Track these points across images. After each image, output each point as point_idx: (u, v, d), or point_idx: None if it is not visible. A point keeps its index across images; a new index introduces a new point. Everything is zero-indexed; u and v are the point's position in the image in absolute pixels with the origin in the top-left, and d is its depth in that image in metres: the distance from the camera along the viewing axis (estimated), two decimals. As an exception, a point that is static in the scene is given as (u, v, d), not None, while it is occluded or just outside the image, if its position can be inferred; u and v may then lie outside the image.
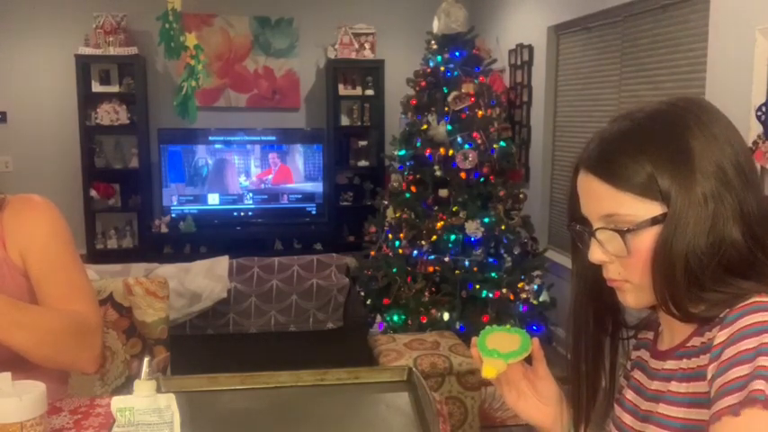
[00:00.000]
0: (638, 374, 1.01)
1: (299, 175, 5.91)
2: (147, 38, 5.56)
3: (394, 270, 4.15)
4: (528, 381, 1.10)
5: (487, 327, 1.08)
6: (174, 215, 5.73)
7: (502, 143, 4.23)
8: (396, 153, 4.44)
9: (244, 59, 5.96)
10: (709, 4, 3.03)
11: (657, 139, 0.88)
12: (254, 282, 3.95)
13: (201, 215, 5.75)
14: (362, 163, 6.07)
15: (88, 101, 5.54)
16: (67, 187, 5.54)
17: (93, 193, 5.62)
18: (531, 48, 4.92)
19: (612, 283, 0.94)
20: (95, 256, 5.56)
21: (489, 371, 1.01)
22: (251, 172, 5.88)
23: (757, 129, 2.69)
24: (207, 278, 3.89)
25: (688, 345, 0.91)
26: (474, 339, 1.07)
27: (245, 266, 3.95)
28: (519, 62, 5.09)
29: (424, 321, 4.00)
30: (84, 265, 1.52)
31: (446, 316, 4.00)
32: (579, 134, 4.39)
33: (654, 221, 0.87)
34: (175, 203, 5.76)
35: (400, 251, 4.22)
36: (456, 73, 4.22)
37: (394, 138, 4.58)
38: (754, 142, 2.70)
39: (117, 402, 1.05)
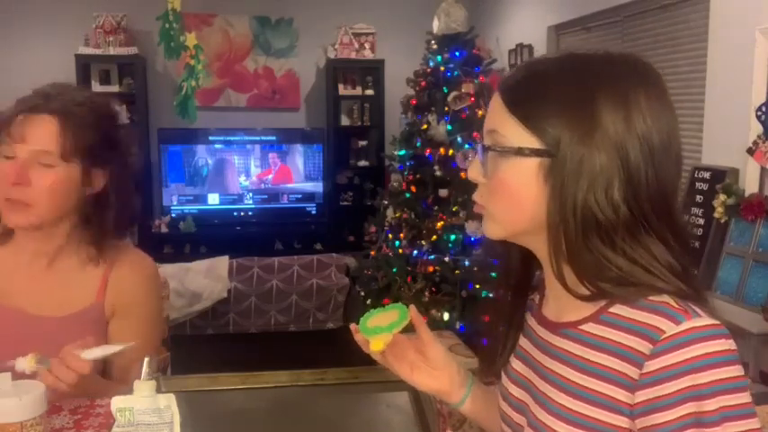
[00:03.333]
0: (524, 342, 0.99)
1: (299, 175, 5.91)
2: (147, 38, 5.56)
3: (394, 270, 4.15)
4: (416, 351, 1.08)
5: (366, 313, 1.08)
6: (174, 215, 5.73)
7: (502, 143, 4.23)
8: (396, 153, 4.44)
9: (244, 59, 5.96)
10: (709, 4, 3.03)
11: (571, 85, 0.84)
12: (254, 282, 3.96)
13: (201, 215, 5.76)
14: (362, 163, 6.07)
15: (88, 101, 5.54)
16: (67, 187, 5.54)
17: (93, 193, 5.62)
18: (531, 48, 4.92)
19: (475, 206, 0.93)
20: (95, 255, 5.56)
21: (377, 344, 1.01)
22: (251, 172, 5.88)
23: (757, 129, 2.70)
24: (207, 278, 3.89)
25: (581, 328, 0.87)
26: (354, 326, 1.05)
27: (245, 266, 3.95)
28: (519, 62, 5.09)
29: (425, 321, 4.00)
30: (162, 321, 1.62)
31: (446, 316, 4.00)
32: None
33: (520, 152, 0.84)
34: (175, 203, 5.76)
35: (400, 251, 4.22)
36: (456, 73, 4.22)
37: (394, 138, 4.58)
38: (754, 142, 2.70)
39: (117, 402, 1.05)
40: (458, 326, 3.96)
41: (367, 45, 5.87)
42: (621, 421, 0.80)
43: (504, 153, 0.85)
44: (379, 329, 1.02)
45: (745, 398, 0.76)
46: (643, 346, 0.79)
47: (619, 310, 0.83)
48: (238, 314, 3.98)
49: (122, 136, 1.47)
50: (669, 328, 0.77)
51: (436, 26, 4.29)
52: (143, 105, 5.66)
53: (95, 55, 5.47)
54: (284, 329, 4.06)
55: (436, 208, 4.18)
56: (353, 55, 5.85)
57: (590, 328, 0.86)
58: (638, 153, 0.82)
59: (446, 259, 4.07)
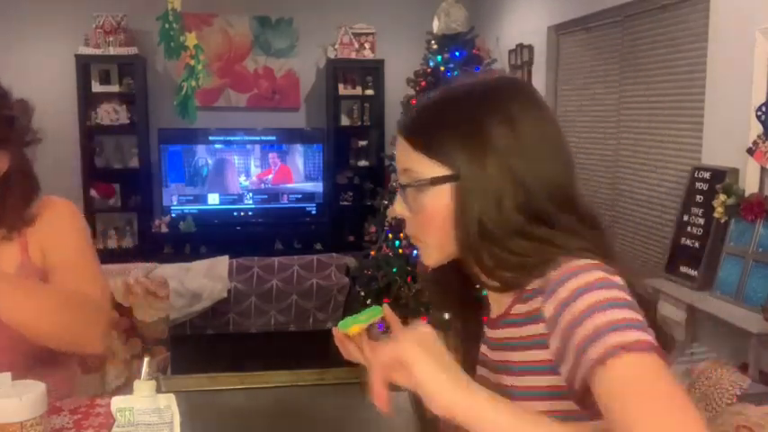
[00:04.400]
0: (483, 348, 1.05)
1: (299, 174, 5.91)
2: (147, 38, 5.56)
3: (394, 270, 4.15)
4: None
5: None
6: (174, 215, 5.73)
7: (502, 143, 4.23)
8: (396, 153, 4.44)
9: (244, 59, 5.96)
10: (709, 4, 3.03)
11: (458, 112, 0.95)
12: (254, 282, 3.96)
13: (201, 215, 5.75)
14: (362, 163, 6.07)
15: (88, 101, 5.54)
16: (67, 187, 5.53)
17: (93, 192, 5.62)
18: (531, 48, 4.92)
19: (411, 239, 1.01)
20: (95, 255, 5.56)
21: (353, 329, 1.03)
22: (251, 172, 5.88)
23: (757, 129, 2.69)
24: (207, 278, 3.89)
25: (512, 313, 0.95)
26: (334, 329, 1.10)
27: (245, 266, 3.95)
28: (519, 62, 5.09)
29: (425, 321, 3.99)
30: (97, 261, 1.56)
31: (446, 316, 3.99)
32: (579, 134, 4.38)
33: (434, 181, 0.93)
34: (175, 203, 5.76)
35: (400, 251, 4.21)
36: (456, 73, 4.22)
37: (394, 138, 4.58)
38: (754, 142, 2.70)
39: (117, 402, 1.05)
40: (458, 326, 3.95)
41: (367, 45, 5.86)
42: (558, 380, 0.87)
43: (421, 186, 0.94)
44: (354, 322, 1.05)
45: (627, 313, 0.81)
46: (540, 303, 0.88)
47: (534, 284, 0.91)
48: (238, 314, 3.98)
49: (16, 112, 1.46)
50: (553, 275, 0.87)
51: (436, 26, 4.29)
52: (143, 105, 5.66)
53: (95, 55, 5.47)
54: (284, 329, 4.06)
55: (436, 208, 4.18)
56: (353, 55, 5.84)
57: (517, 309, 0.94)
58: (527, 161, 0.92)
59: (446, 259, 4.06)
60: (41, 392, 1.08)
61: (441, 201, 0.93)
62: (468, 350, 1.08)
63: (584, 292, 0.83)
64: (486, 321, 1.04)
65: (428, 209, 0.94)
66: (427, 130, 0.96)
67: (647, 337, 0.79)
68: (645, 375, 0.78)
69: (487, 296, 1.04)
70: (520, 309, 0.93)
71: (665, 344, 0.91)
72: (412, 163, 0.95)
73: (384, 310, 1.05)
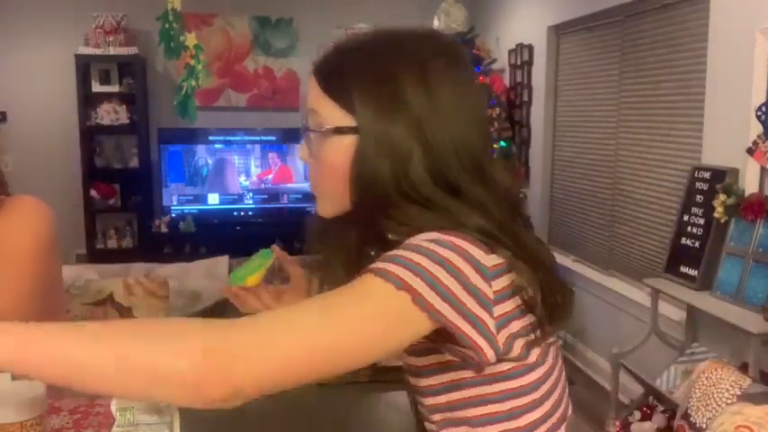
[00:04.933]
0: None
1: (299, 174, 5.90)
2: (147, 38, 5.55)
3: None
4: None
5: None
6: (173, 215, 5.73)
7: (502, 143, 4.24)
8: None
9: (244, 59, 5.96)
10: (709, 4, 3.03)
11: (373, 60, 0.89)
12: (254, 282, 3.95)
13: (201, 215, 5.75)
14: (362, 163, 6.07)
15: (88, 101, 5.54)
16: (67, 187, 5.54)
17: (93, 193, 5.62)
18: (531, 48, 4.92)
19: (310, 187, 0.98)
20: (95, 256, 5.56)
21: (252, 280, 1.03)
22: (251, 172, 5.88)
23: (757, 129, 2.69)
24: (207, 278, 3.89)
25: None
26: (225, 287, 1.09)
27: (245, 266, 3.95)
28: (519, 62, 5.08)
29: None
30: (60, 278, 1.45)
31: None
32: (579, 134, 4.38)
33: (338, 130, 0.88)
34: (175, 203, 5.76)
35: (400, 251, 4.21)
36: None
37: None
38: (754, 142, 2.70)
39: (117, 402, 1.05)
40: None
41: (367, 45, 5.86)
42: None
43: (325, 134, 0.89)
44: (247, 272, 1.03)
45: (417, 258, 0.79)
46: None
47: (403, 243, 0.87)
48: (238, 314, 3.98)
49: None
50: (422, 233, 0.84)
51: (436, 26, 4.29)
52: (143, 105, 5.66)
53: (95, 55, 5.46)
54: (284, 329, 4.05)
55: (436, 208, 4.18)
56: (353, 55, 5.84)
57: None
58: (439, 123, 0.86)
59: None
60: (41, 392, 1.08)
61: (342, 151, 0.88)
62: None
63: (413, 240, 0.82)
64: None
65: (328, 158, 0.90)
66: (340, 73, 0.89)
67: (408, 276, 0.77)
68: (351, 289, 0.79)
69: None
70: None
71: (554, 313, 0.89)
72: (318, 105, 0.90)
73: (275, 252, 1.04)
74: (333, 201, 0.93)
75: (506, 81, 5.27)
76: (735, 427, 1.07)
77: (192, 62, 3.74)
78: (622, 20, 3.82)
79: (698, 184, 2.99)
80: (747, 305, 2.61)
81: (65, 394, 1.44)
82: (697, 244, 2.93)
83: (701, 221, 2.93)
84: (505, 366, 0.87)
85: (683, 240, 3.02)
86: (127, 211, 5.84)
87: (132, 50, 5.50)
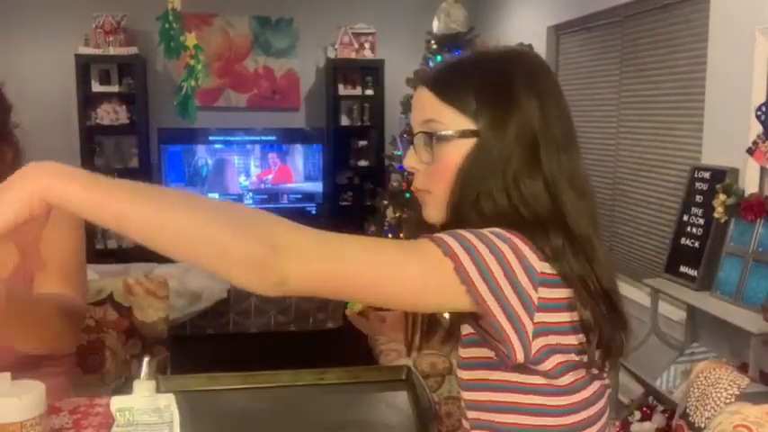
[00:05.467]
0: None
1: (299, 175, 5.91)
2: (147, 38, 5.55)
3: (394, 270, 4.15)
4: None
5: None
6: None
7: (502, 143, 4.23)
8: (396, 153, 4.44)
9: (244, 59, 5.96)
10: (709, 4, 3.03)
11: (491, 73, 0.97)
12: (254, 282, 3.95)
13: (201, 215, 5.75)
14: (362, 163, 6.07)
15: (88, 101, 5.54)
16: (67, 187, 5.54)
17: (93, 193, 5.61)
18: (530, 48, 4.92)
19: (416, 193, 1.01)
20: (95, 256, 5.55)
21: (356, 306, 1.13)
22: (251, 172, 5.88)
23: (757, 129, 2.70)
24: (207, 278, 3.89)
25: None
26: (349, 311, 1.22)
27: (245, 266, 3.95)
28: (519, 62, 5.09)
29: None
30: (85, 263, 1.53)
31: (446, 315, 3.99)
32: (579, 134, 4.36)
33: (462, 134, 0.94)
34: (175, 203, 5.76)
35: (400, 251, 4.21)
36: (456, 73, 4.22)
37: (394, 138, 4.58)
38: (754, 142, 2.70)
39: (116, 402, 1.05)
40: (458, 326, 3.96)
41: (367, 45, 5.86)
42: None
43: (448, 137, 0.94)
44: None
45: (471, 238, 0.84)
46: None
47: None
48: (238, 314, 3.99)
49: None
50: None
51: (436, 26, 4.29)
52: (143, 105, 5.66)
53: (95, 55, 5.46)
54: (284, 329, 4.06)
55: (436, 208, 4.18)
56: (353, 55, 5.84)
57: None
58: (546, 127, 0.94)
59: (446, 259, 4.07)
60: (41, 392, 1.08)
61: (459, 153, 0.94)
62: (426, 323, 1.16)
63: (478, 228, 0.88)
64: None
65: (445, 160, 0.95)
66: (458, 84, 0.96)
67: (456, 247, 0.82)
68: (404, 244, 0.85)
69: None
70: None
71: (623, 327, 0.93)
72: (436, 113, 0.96)
73: None
74: (443, 204, 0.97)
75: (506, 81, 5.27)
76: (733, 427, 1.07)
77: (192, 62, 3.74)
78: (622, 20, 3.82)
79: (698, 184, 2.99)
80: (747, 305, 2.62)
81: (64, 394, 1.45)
82: (697, 244, 2.93)
83: (701, 221, 2.93)
84: (539, 380, 0.89)
85: (683, 240, 3.02)
86: (127, 211, 5.83)
87: (132, 50, 5.50)
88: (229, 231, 0.77)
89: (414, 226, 1.08)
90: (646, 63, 3.61)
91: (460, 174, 0.93)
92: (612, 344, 0.90)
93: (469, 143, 0.94)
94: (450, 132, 0.94)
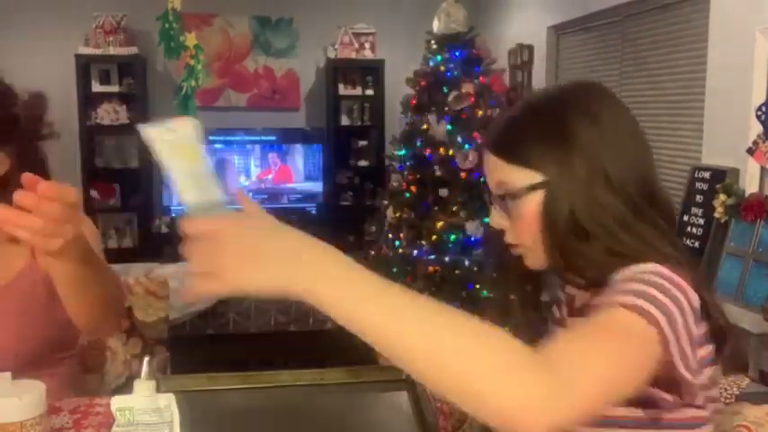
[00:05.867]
0: (557, 331, 1.08)
1: (299, 174, 5.91)
2: (147, 38, 5.55)
3: (394, 270, 4.15)
4: None
5: None
6: (174, 215, 5.73)
7: (502, 143, 4.23)
8: (396, 153, 4.44)
9: (244, 59, 5.96)
10: (709, 4, 3.03)
11: (539, 119, 1.00)
12: (254, 282, 3.95)
13: (201, 215, 5.75)
14: (362, 163, 6.07)
15: (88, 101, 5.54)
16: (67, 187, 5.54)
17: (93, 192, 5.62)
18: (531, 48, 4.92)
19: (510, 247, 1.04)
20: (95, 255, 5.55)
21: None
22: (251, 172, 5.88)
23: (757, 129, 2.70)
24: (207, 278, 3.87)
25: (594, 304, 0.97)
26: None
27: (245, 266, 3.95)
28: (519, 62, 5.09)
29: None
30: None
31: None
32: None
33: (531, 188, 0.97)
34: (175, 203, 5.76)
35: (400, 251, 4.22)
36: (456, 73, 4.22)
37: (394, 138, 4.58)
38: (754, 142, 2.70)
39: (117, 402, 1.05)
40: (458, 326, 3.95)
41: (367, 45, 5.86)
42: None
43: (519, 195, 0.98)
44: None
45: (652, 291, 0.84)
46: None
47: (620, 275, 0.93)
48: (238, 314, 3.98)
49: (21, 111, 1.40)
50: (633, 265, 0.91)
51: (436, 26, 4.29)
52: (143, 105, 5.66)
53: (95, 55, 5.46)
54: (284, 329, 4.05)
55: (436, 208, 4.18)
56: (353, 55, 5.84)
57: (596, 301, 0.95)
58: (612, 152, 0.95)
59: (446, 259, 4.07)
60: (41, 392, 1.08)
61: (534, 206, 0.97)
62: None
63: (625, 279, 0.89)
64: (570, 309, 1.08)
65: (526, 215, 0.98)
66: (514, 142, 0.99)
67: (654, 310, 0.82)
68: (614, 326, 0.82)
69: (565, 289, 1.09)
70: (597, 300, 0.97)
71: (733, 354, 0.95)
72: (505, 175, 0.99)
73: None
74: (541, 252, 0.99)
75: (506, 81, 5.27)
76: (733, 427, 1.07)
77: (192, 62, 3.74)
78: (622, 20, 3.82)
79: (698, 184, 2.99)
80: (747, 305, 2.62)
81: (64, 394, 1.45)
82: (697, 244, 2.93)
83: (701, 221, 2.93)
84: (685, 414, 0.92)
85: (684, 240, 3.02)
86: (127, 211, 5.83)
87: (132, 50, 5.50)
88: (509, 373, 0.73)
89: (518, 273, 1.08)
90: (646, 63, 3.61)
91: (544, 223, 0.96)
92: (733, 351, 0.95)
93: (541, 193, 0.96)
94: (519, 190, 0.97)
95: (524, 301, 1.11)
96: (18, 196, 0.95)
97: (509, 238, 1.03)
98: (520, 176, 0.98)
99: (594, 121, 0.96)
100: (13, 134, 1.38)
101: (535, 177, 0.97)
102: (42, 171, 1.44)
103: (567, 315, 1.08)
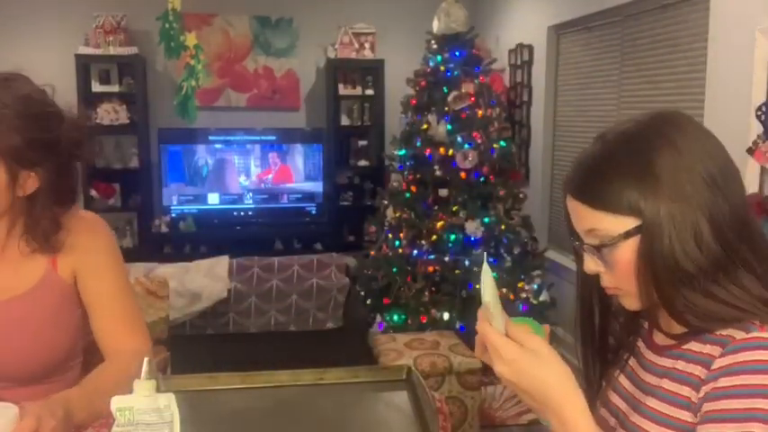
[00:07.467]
0: (632, 362, 1.08)
1: (299, 174, 5.91)
2: (147, 38, 5.56)
3: (394, 270, 4.15)
4: None
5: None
6: (174, 215, 5.73)
7: (502, 143, 4.24)
8: (396, 153, 4.44)
9: (244, 59, 5.96)
10: (709, 4, 3.03)
11: (624, 159, 0.94)
12: (254, 281, 3.95)
13: (201, 215, 5.75)
14: (362, 163, 6.07)
15: (88, 101, 5.54)
16: (67, 187, 5.54)
17: (93, 192, 5.62)
18: (531, 48, 4.92)
19: (608, 290, 1.01)
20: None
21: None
22: (251, 172, 5.88)
23: (757, 129, 2.69)
24: (207, 278, 3.89)
25: (685, 347, 0.96)
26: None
27: (245, 266, 3.95)
28: (519, 62, 5.09)
29: (424, 321, 4.00)
30: (132, 287, 1.60)
31: (446, 316, 4.00)
32: (579, 134, 4.39)
33: (627, 235, 0.93)
34: (175, 203, 5.76)
35: (400, 251, 4.22)
36: (456, 73, 4.23)
37: (394, 138, 4.58)
38: (754, 142, 2.70)
39: (117, 402, 1.05)
40: (458, 326, 3.96)
41: (367, 45, 5.86)
42: (691, 417, 0.91)
43: (615, 242, 0.95)
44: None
45: None
46: (716, 352, 0.90)
47: (718, 332, 0.92)
48: (238, 314, 3.98)
49: (61, 133, 1.41)
50: (739, 335, 0.88)
51: (436, 26, 4.29)
52: (143, 105, 5.66)
53: (95, 55, 5.47)
54: (284, 329, 4.05)
55: (436, 208, 4.18)
56: (353, 55, 5.84)
57: (692, 346, 0.95)
58: (705, 190, 0.91)
59: (446, 259, 4.07)
60: (14, 415, 1.11)
61: (631, 252, 0.94)
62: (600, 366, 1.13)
63: (755, 370, 0.85)
64: (648, 342, 1.05)
65: (621, 261, 0.95)
66: (600, 186, 0.95)
67: None
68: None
69: (650, 326, 1.07)
70: (695, 347, 0.95)
71: None
72: (596, 223, 0.96)
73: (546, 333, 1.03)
74: (638, 295, 0.97)
75: (506, 81, 5.27)
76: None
77: (192, 62, 3.74)
78: (622, 20, 3.83)
79: (698, 184, 2.99)
80: (747, 305, 2.61)
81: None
82: (697, 244, 2.93)
83: (701, 221, 2.93)
84: None
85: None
86: (127, 210, 5.84)
87: (132, 50, 5.50)
88: None
89: (622, 315, 1.10)
90: (646, 63, 3.61)
91: (642, 268, 0.93)
92: None
93: (637, 238, 0.93)
94: (614, 238, 0.94)
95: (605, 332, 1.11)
96: None
97: (606, 282, 1.00)
98: (613, 223, 0.94)
99: (678, 149, 0.93)
100: (52, 155, 1.38)
101: (629, 223, 0.93)
102: (70, 191, 1.46)
103: (647, 348, 1.06)
